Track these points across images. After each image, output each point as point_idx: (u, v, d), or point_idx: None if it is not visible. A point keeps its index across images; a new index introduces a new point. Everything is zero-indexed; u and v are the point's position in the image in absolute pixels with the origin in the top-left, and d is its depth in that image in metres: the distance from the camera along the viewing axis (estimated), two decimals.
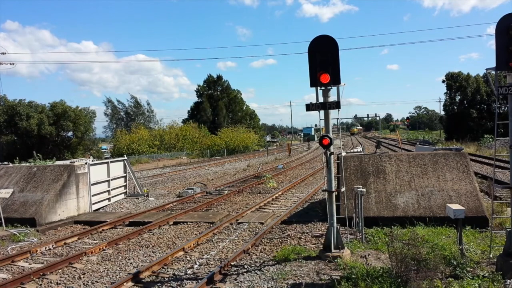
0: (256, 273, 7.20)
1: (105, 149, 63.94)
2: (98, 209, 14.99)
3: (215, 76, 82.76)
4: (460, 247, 7.19)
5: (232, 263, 7.86)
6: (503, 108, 43.80)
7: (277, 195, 16.32)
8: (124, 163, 17.38)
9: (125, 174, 17.31)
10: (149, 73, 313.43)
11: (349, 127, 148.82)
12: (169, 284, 7.03)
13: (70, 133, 52.24)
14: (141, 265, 8.13)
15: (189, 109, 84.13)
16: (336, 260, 7.42)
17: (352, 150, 32.67)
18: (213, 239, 10.02)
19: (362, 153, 17.46)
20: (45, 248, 9.65)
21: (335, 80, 7.45)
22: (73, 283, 7.31)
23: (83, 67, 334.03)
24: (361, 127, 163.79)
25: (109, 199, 15.93)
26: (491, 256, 7.18)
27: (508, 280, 5.92)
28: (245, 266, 7.67)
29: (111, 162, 16.70)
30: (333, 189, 7.80)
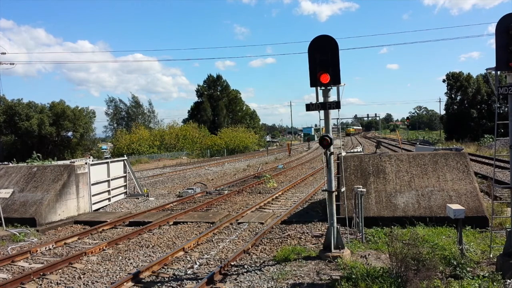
0: (256, 273, 7.20)
1: (105, 149, 63.91)
2: (98, 209, 14.99)
3: (214, 75, 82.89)
4: (460, 247, 7.19)
5: (232, 263, 7.86)
6: (503, 108, 43.79)
7: (277, 195, 16.32)
8: (124, 163, 17.38)
9: (125, 174, 17.31)
10: (147, 72, 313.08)
11: (348, 126, 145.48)
12: (169, 284, 7.03)
13: (70, 133, 52.32)
14: (141, 265, 8.13)
15: (189, 109, 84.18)
16: (336, 260, 7.42)
17: (352, 150, 32.65)
18: (213, 239, 10.02)
19: (362, 153, 17.45)
20: (45, 248, 9.65)
21: (335, 80, 7.45)
22: (73, 283, 7.31)
23: (80, 66, 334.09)
24: (360, 127, 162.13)
25: (109, 199, 15.93)
26: (491, 256, 7.18)
27: (508, 280, 5.92)
28: (245, 266, 7.67)
29: (111, 162, 16.70)
30: (333, 189, 7.80)
